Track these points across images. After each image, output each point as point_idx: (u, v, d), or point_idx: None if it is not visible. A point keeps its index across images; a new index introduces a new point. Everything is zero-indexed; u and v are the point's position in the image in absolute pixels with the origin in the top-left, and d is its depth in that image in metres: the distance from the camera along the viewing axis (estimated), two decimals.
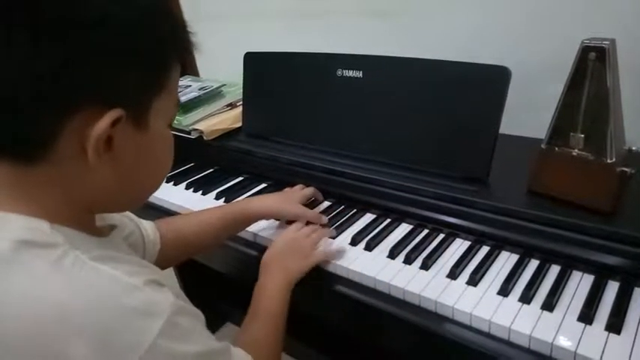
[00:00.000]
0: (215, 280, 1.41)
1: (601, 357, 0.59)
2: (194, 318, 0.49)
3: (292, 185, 1.01)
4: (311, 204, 0.98)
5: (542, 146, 0.77)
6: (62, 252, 0.42)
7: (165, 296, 0.45)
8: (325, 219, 0.92)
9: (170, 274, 1.51)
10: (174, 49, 0.50)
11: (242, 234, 0.93)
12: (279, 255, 0.80)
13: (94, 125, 0.43)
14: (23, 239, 0.42)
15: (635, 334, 0.61)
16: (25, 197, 0.45)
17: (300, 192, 0.96)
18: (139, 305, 0.43)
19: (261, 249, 0.90)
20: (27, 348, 0.40)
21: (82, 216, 0.49)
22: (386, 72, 0.93)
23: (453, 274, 0.74)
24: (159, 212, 1.09)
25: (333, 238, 0.88)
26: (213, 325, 0.94)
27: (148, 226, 0.75)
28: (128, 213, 0.71)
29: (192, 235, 0.83)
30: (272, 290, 0.74)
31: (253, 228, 0.92)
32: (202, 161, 1.23)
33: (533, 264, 0.75)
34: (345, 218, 0.93)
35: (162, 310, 0.44)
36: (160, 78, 0.48)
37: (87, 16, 0.41)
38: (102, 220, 0.57)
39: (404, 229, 0.88)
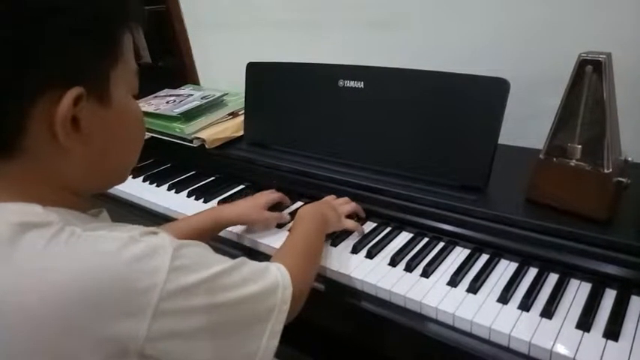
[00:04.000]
0: None
1: None
2: (197, 247, 0.51)
3: (292, 194, 1.03)
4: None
5: (541, 156, 0.78)
6: (59, 228, 0.43)
7: (163, 237, 0.47)
8: (287, 217, 0.96)
9: None
10: (122, 17, 0.49)
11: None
12: (315, 207, 0.88)
13: (57, 108, 0.43)
14: (20, 221, 0.43)
15: (633, 341, 0.62)
16: (12, 188, 0.46)
17: (266, 196, 0.98)
18: (140, 251, 0.44)
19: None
20: (47, 320, 0.40)
21: (71, 199, 0.50)
22: (387, 83, 0.95)
23: (454, 282, 0.75)
24: (160, 220, 1.10)
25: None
26: None
27: None
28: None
29: None
30: (308, 224, 0.81)
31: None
32: (204, 169, 1.24)
33: (532, 272, 0.76)
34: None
35: (164, 248, 0.45)
36: (113, 49, 0.48)
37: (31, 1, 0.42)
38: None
39: (404, 237, 0.89)
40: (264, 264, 0.60)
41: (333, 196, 0.96)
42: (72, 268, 0.42)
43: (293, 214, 0.99)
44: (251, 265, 0.56)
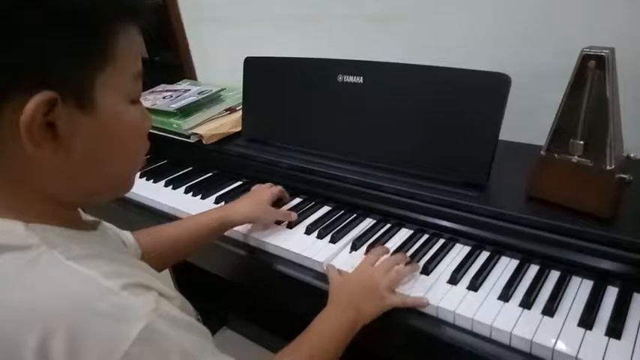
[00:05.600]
0: (212, 283, 1.41)
1: None
2: (186, 329, 0.45)
3: (290, 190, 1.02)
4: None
5: (542, 152, 0.78)
6: (37, 253, 0.41)
7: (146, 302, 0.42)
8: (295, 215, 0.94)
9: (166, 275, 1.50)
10: (114, 12, 0.43)
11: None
12: (354, 291, 0.73)
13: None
14: None
15: (635, 339, 0.61)
16: None
17: (268, 192, 0.95)
18: (111, 310, 0.40)
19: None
20: (4, 353, 0.38)
21: (61, 211, 0.47)
22: (387, 78, 0.94)
23: (454, 280, 0.75)
24: (157, 216, 1.09)
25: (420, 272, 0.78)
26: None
27: (127, 234, 0.73)
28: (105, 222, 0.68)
29: (170, 245, 0.82)
30: (335, 329, 0.67)
31: (241, 228, 0.93)
32: (201, 165, 1.23)
33: (533, 269, 0.76)
34: (345, 223, 0.93)
35: (139, 317, 0.41)
36: (99, 50, 0.42)
37: None
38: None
39: (404, 234, 0.88)
40: None
41: (374, 256, 0.79)
42: (33, 305, 0.39)
43: (295, 208, 0.99)
44: None
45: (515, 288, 0.72)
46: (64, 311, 0.39)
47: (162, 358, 0.42)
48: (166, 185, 1.17)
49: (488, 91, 0.83)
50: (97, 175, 0.47)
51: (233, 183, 1.14)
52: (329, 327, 0.68)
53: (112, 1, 0.44)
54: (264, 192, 0.95)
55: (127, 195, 1.16)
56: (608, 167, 0.71)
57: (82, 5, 0.41)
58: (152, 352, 0.41)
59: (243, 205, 0.91)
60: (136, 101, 0.49)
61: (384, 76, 0.95)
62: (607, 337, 0.62)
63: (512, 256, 0.79)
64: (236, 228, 0.93)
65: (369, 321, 0.71)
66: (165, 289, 0.46)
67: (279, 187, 0.99)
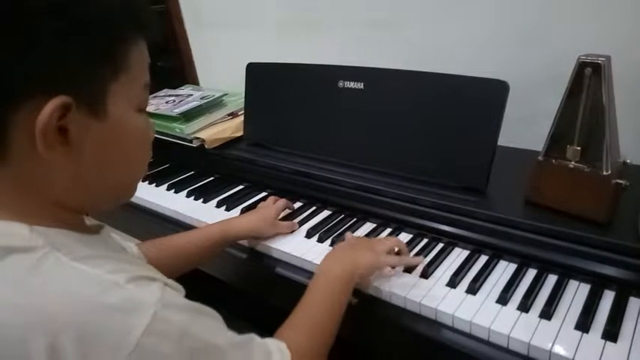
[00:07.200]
0: (212, 286, 1.41)
1: None
2: (194, 313, 0.46)
3: (291, 194, 1.03)
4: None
5: (540, 158, 0.79)
6: (42, 255, 0.41)
7: (152, 292, 0.43)
8: (297, 225, 0.95)
9: None
10: (129, 24, 0.45)
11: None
12: (349, 247, 0.79)
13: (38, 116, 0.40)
14: (2, 245, 0.41)
15: (631, 342, 0.62)
16: (1, 201, 0.44)
17: (273, 207, 0.95)
18: (119, 303, 0.41)
19: (254, 253, 0.93)
20: (13, 355, 0.39)
21: (65, 215, 0.47)
22: (387, 84, 0.95)
23: (453, 283, 0.76)
24: (159, 220, 1.10)
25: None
26: None
27: (130, 245, 0.74)
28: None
29: (174, 255, 0.83)
30: (335, 278, 0.70)
31: None
32: (203, 169, 1.24)
33: (531, 273, 0.77)
34: (345, 227, 0.94)
35: (147, 307, 0.41)
36: (113, 60, 0.44)
37: None
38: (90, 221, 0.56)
39: (404, 238, 0.89)
40: (265, 346, 0.53)
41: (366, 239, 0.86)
42: (41, 307, 0.39)
43: (296, 213, 1.00)
44: (247, 348, 0.50)
45: (513, 291, 0.73)
46: (71, 311, 0.40)
47: (175, 345, 0.42)
48: (168, 189, 1.18)
49: (487, 97, 0.84)
50: (102, 181, 0.48)
51: (234, 187, 1.15)
52: (331, 282, 0.69)
53: (129, 14, 0.45)
54: (270, 208, 0.95)
55: None
56: (605, 173, 0.72)
57: (101, 16, 0.43)
58: (164, 340, 0.41)
59: (247, 220, 0.92)
60: (142, 110, 0.50)
61: (384, 82, 0.96)
62: (603, 341, 0.63)
63: (510, 260, 0.80)
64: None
65: (367, 272, 0.74)
66: (169, 281, 0.47)
67: (283, 200, 0.99)
